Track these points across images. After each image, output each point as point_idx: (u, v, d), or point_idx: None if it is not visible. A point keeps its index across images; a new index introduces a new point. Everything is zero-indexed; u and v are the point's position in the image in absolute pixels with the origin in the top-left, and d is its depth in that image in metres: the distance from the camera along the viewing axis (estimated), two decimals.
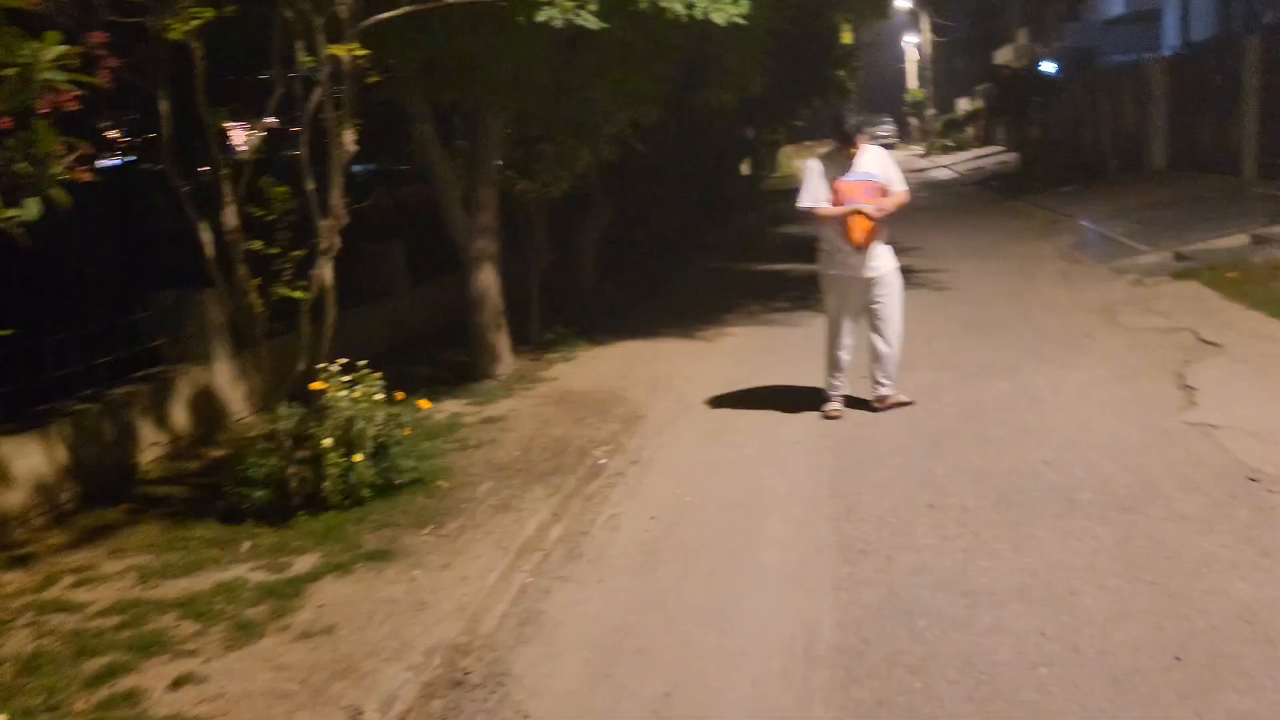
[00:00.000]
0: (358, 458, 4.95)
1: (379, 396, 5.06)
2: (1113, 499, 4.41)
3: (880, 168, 5.98)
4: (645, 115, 8.08)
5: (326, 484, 4.91)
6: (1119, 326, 7.72)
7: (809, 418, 6.09)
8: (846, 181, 5.90)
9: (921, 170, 32.94)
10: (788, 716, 3.05)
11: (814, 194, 5.96)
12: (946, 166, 32.16)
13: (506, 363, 7.78)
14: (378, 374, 5.14)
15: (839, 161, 6.00)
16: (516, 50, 6.45)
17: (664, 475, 5.36)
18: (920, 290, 10.01)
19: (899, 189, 5.98)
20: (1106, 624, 3.38)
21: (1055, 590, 3.65)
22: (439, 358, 8.38)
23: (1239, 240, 10.46)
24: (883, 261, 5.99)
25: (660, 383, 7.36)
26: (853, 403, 6.17)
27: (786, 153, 41.20)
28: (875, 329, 6.07)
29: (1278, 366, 6.11)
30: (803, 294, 10.43)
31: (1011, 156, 28.22)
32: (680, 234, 15.27)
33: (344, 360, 5.14)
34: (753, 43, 8.41)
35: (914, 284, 10.24)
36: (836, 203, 5.87)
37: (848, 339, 6.10)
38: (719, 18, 6.24)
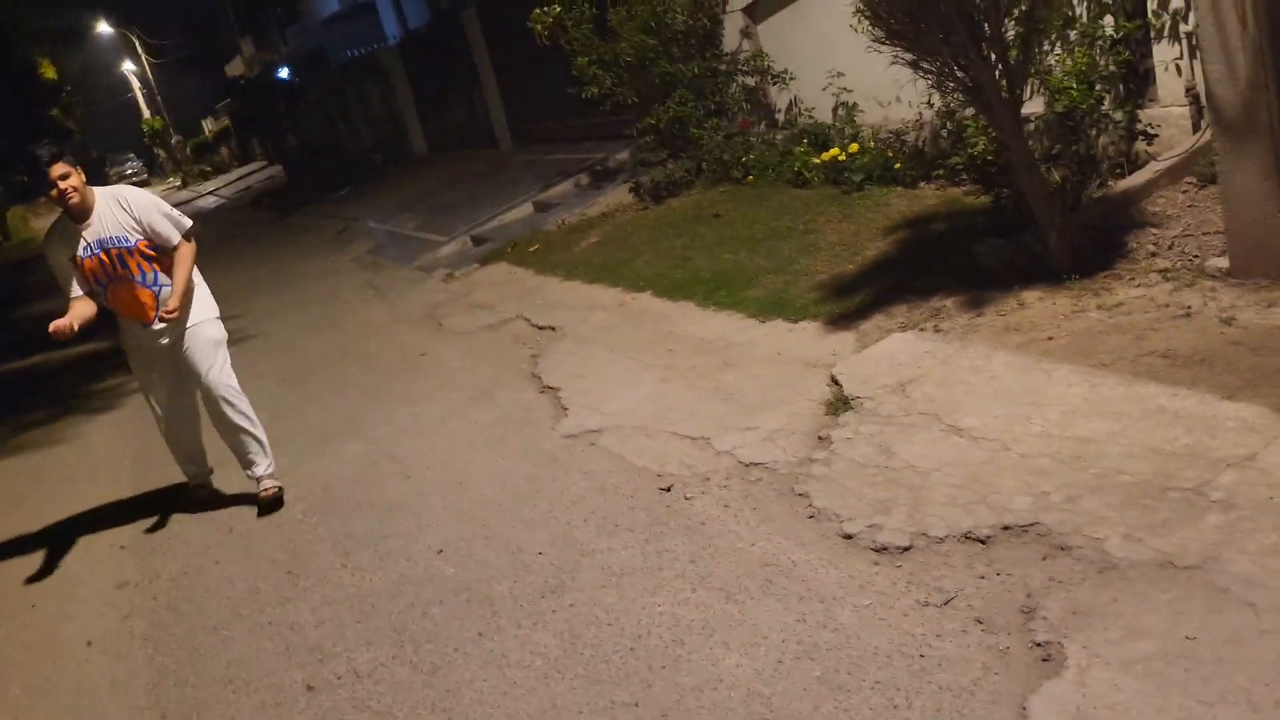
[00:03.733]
0: None
1: None
2: (536, 580, 3.41)
3: (130, 221, 4.30)
4: None
5: None
6: (450, 333, 6.93)
7: (101, 589, 4.26)
8: (90, 258, 4.28)
9: (187, 203, 30.25)
10: None
11: (67, 279, 4.34)
12: (212, 193, 29.90)
13: None
14: None
15: (68, 230, 4.31)
16: None
17: None
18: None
19: (176, 232, 4.40)
20: None
21: None
22: None
23: (525, 210, 10.45)
24: (195, 312, 4.56)
25: None
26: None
27: (19, 214, 35.69)
28: (213, 421, 4.69)
29: (617, 336, 5.71)
30: (69, 389, 8.13)
31: (277, 169, 27.03)
32: None
33: None
34: None
35: None
36: (91, 283, 4.32)
37: (179, 422, 4.73)
38: None
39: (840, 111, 7.80)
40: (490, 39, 14.24)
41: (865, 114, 7.62)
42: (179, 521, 4.77)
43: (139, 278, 4.34)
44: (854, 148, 7.15)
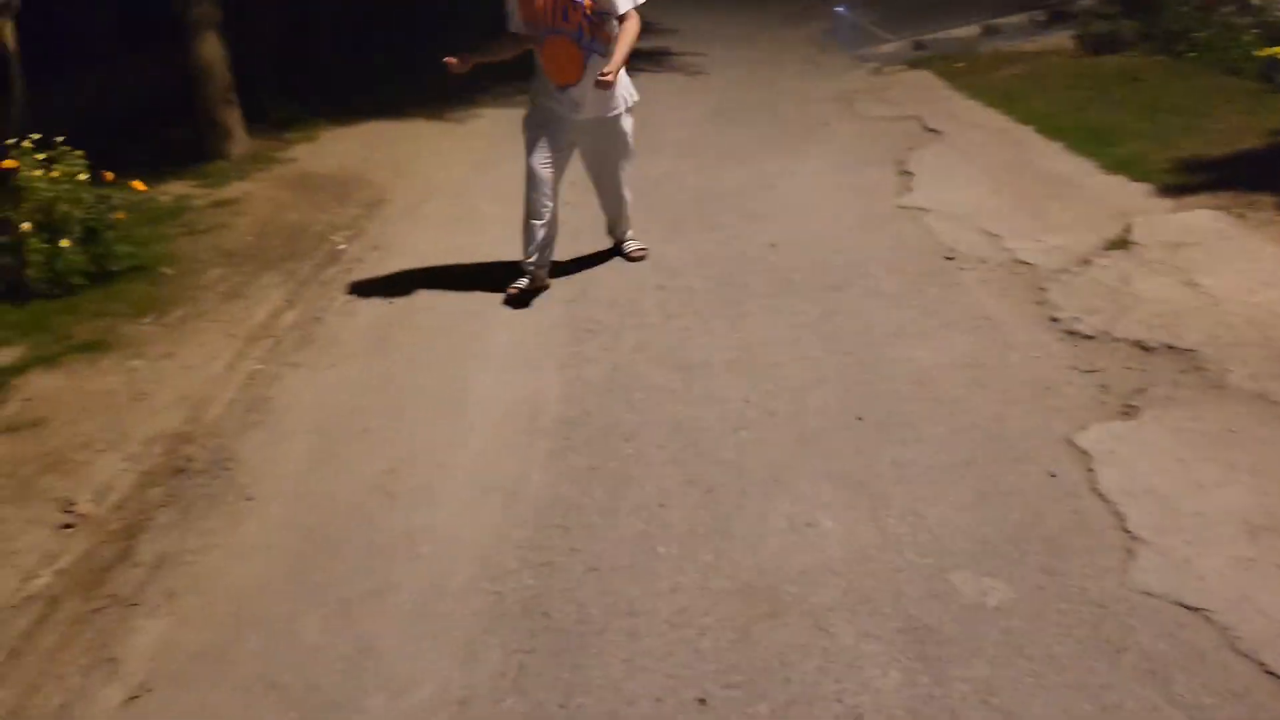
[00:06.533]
0: (65, 243, 4.60)
1: (83, 176, 4.66)
2: (824, 279, 4.74)
3: None
4: None
5: (30, 271, 4.56)
6: (855, 115, 8.06)
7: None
8: (549, 2, 4.34)
9: None
10: (506, 485, 3.22)
11: (512, 12, 4.48)
12: None
13: (240, 142, 7.30)
14: (79, 151, 4.71)
15: None
16: None
17: (404, 261, 5.30)
18: (673, 75, 10.07)
19: (625, 1, 4.34)
20: (802, 390, 3.71)
21: (761, 362, 3.95)
22: (166, 134, 7.73)
23: (972, 30, 10.99)
24: (618, 103, 4.59)
25: (405, 165, 7.14)
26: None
27: None
28: (596, 185, 4.99)
29: (985, 153, 6.60)
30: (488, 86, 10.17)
31: None
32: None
33: (38, 135, 4.67)
34: None
35: (667, 68, 10.31)
36: (534, 24, 4.40)
37: (550, 205, 4.68)
38: None
39: None
40: None
41: None
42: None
43: (575, 34, 4.34)
44: None
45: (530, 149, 4.59)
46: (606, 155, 4.80)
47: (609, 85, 4.26)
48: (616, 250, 5.18)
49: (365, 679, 2.47)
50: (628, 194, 4.99)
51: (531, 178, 4.60)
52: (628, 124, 4.71)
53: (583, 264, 5.08)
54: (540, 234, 4.66)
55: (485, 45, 4.65)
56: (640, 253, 5.12)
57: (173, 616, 2.72)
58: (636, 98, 4.70)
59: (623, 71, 4.45)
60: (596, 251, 5.19)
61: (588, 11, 4.31)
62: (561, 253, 5.08)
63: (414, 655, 2.54)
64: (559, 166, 4.67)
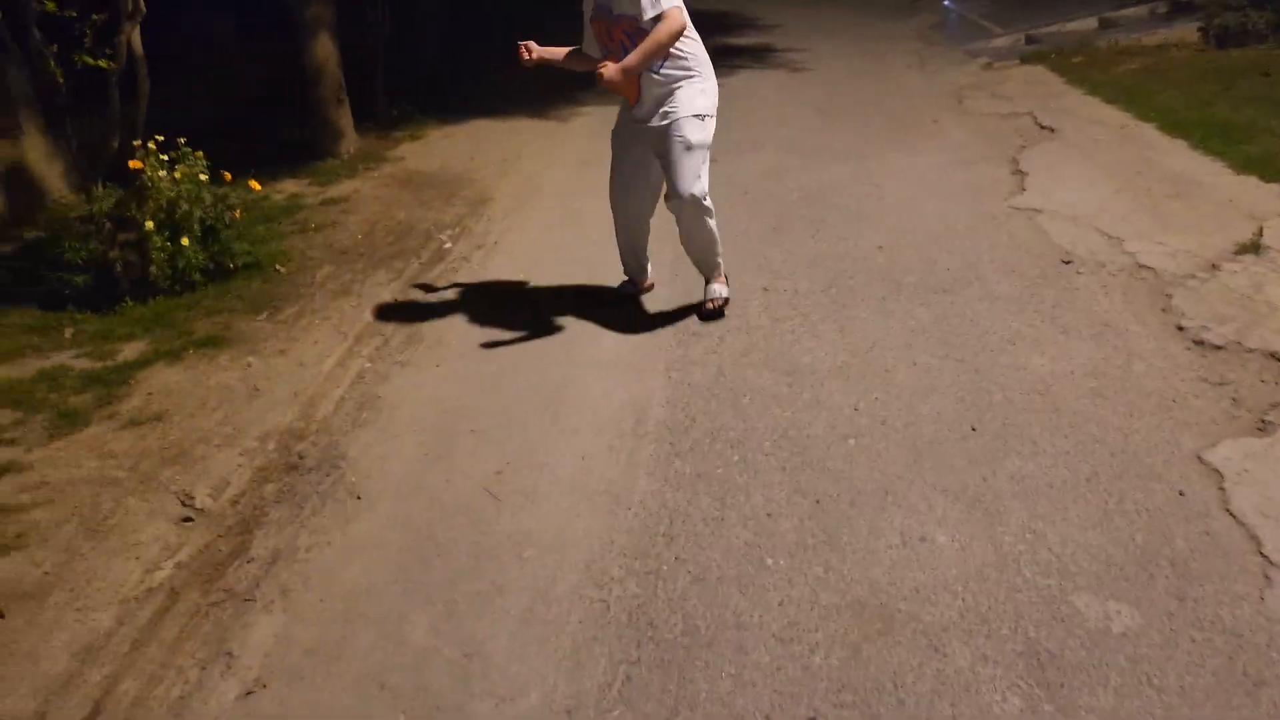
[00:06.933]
0: (185, 241, 4.74)
1: (203, 176, 4.81)
2: (935, 281, 4.62)
3: None
4: None
5: (153, 269, 4.72)
6: (964, 111, 7.85)
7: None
8: (598, 22, 4.17)
9: None
10: (611, 490, 3.20)
11: (588, 39, 4.35)
12: None
13: (350, 141, 7.45)
14: (199, 152, 4.86)
15: None
16: None
17: (508, 259, 5.33)
18: (776, 71, 9.95)
19: (649, 8, 3.93)
20: (914, 398, 3.61)
21: (872, 368, 3.86)
22: (277, 134, 7.93)
23: (1088, 24, 10.62)
24: (677, 107, 4.16)
25: (510, 164, 7.20)
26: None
27: None
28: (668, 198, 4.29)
29: (1103, 151, 6.35)
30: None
31: None
32: None
33: (161, 137, 4.83)
34: None
35: (771, 64, 10.20)
36: (597, 45, 4.26)
37: (630, 216, 4.53)
38: None
39: None
40: None
41: None
42: None
43: (621, 52, 4.07)
44: None
45: (612, 168, 4.47)
46: (673, 180, 4.17)
47: (603, 80, 3.98)
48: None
49: (473, 683, 2.48)
50: (703, 235, 4.34)
51: (614, 199, 4.52)
52: (693, 134, 4.11)
53: (687, 265, 5.03)
54: (633, 249, 4.64)
55: (568, 52, 4.36)
56: (715, 304, 4.44)
57: (286, 613, 2.78)
58: (699, 111, 4.15)
59: (699, 79, 4.19)
60: None
61: (626, 27, 4.04)
62: (666, 253, 5.06)
63: (520, 661, 2.54)
64: (642, 182, 4.42)
